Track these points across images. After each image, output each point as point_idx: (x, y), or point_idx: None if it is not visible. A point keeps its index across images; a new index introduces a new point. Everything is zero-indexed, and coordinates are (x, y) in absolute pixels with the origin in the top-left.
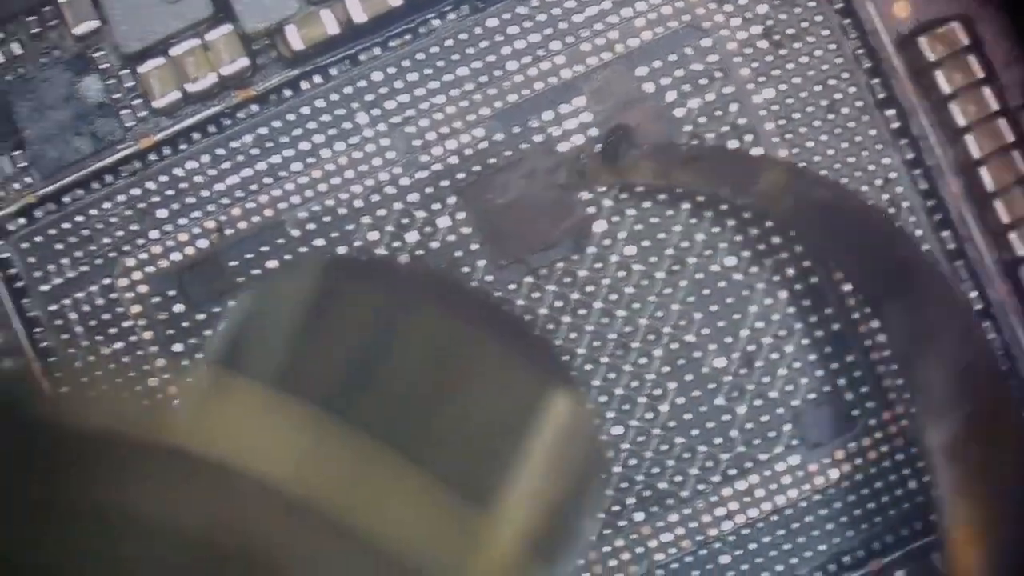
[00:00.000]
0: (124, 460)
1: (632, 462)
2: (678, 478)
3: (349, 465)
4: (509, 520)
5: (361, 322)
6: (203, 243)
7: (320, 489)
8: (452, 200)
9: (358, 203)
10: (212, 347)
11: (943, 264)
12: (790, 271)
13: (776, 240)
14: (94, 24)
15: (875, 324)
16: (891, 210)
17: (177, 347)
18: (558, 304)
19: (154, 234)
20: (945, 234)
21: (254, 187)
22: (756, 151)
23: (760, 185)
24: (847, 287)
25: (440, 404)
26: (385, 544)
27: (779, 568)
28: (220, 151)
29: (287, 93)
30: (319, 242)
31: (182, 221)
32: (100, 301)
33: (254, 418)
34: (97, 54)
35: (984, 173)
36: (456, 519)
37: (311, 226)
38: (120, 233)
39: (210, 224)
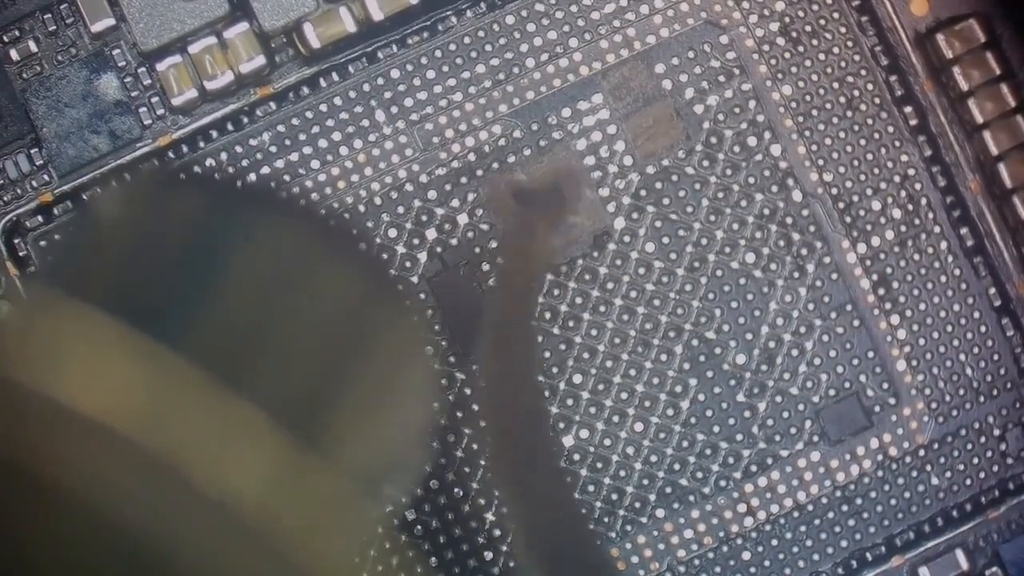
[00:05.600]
0: None
1: (653, 459)
2: (700, 475)
3: (170, 395)
4: (338, 454)
5: (190, 236)
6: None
7: (139, 420)
8: (471, 196)
9: (377, 200)
10: (41, 269)
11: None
12: (810, 267)
13: (796, 236)
14: (111, 22)
15: (895, 320)
16: (909, 207)
17: None
18: (578, 301)
19: None
20: (964, 231)
21: (272, 185)
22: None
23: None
24: (870, 280)
25: (272, 324)
26: (200, 479)
27: (801, 564)
28: (238, 148)
29: (305, 91)
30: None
31: None
32: None
33: (76, 342)
34: (114, 52)
35: (1002, 169)
36: (284, 456)
37: (331, 223)
38: None
39: None
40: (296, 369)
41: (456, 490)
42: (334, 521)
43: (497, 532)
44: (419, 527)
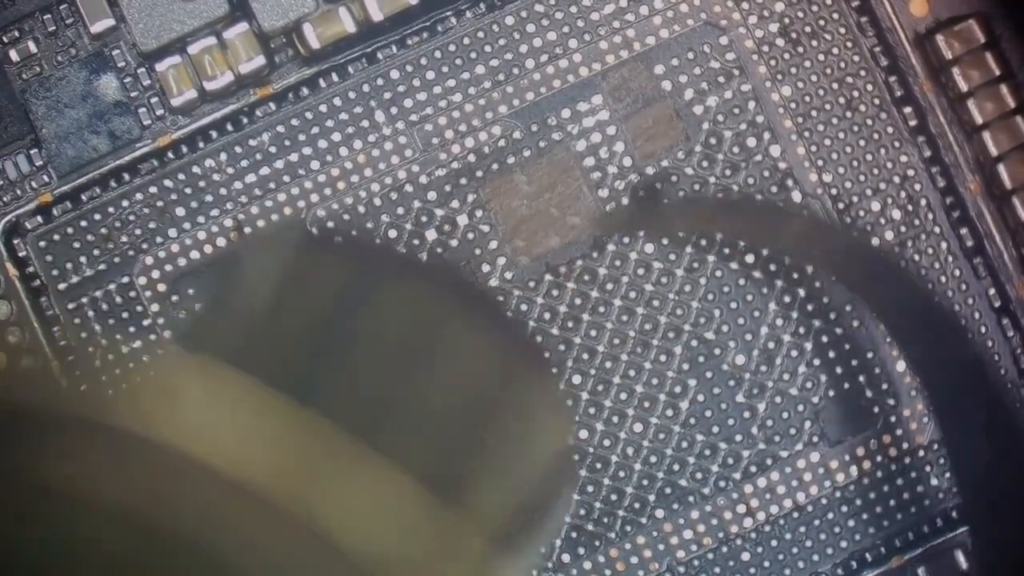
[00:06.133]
0: (74, 439)
1: (653, 459)
2: (699, 475)
3: (308, 451)
4: (481, 514)
5: (328, 299)
6: (222, 241)
7: (276, 476)
8: (471, 197)
9: (377, 201)
10: (179, 326)
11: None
12: (809, 268)
13: None
14: (111, 22)
15: None
16: (909, 207)
17: None
18: (578, 302)
19: (172, 232)
20: (963, 231)
21: (272, 185)
22: (785, 198)
23: (788, 233)
24: None
25: (408, 385)
26: (342, 539)
27: (800, 565)
28: (238, 149)
29: (304, 91)
30: (338, 239)
31: (200, 219)
32: (118, 299)
33: (214, 400)
34: (114, 52)
35: (1002, 170)
36: (424, 513)
37: (330, 224)
38: (138, 231)
39: (228, 222)
40: (436, 429)
41: None
42: None
43: None
44: None
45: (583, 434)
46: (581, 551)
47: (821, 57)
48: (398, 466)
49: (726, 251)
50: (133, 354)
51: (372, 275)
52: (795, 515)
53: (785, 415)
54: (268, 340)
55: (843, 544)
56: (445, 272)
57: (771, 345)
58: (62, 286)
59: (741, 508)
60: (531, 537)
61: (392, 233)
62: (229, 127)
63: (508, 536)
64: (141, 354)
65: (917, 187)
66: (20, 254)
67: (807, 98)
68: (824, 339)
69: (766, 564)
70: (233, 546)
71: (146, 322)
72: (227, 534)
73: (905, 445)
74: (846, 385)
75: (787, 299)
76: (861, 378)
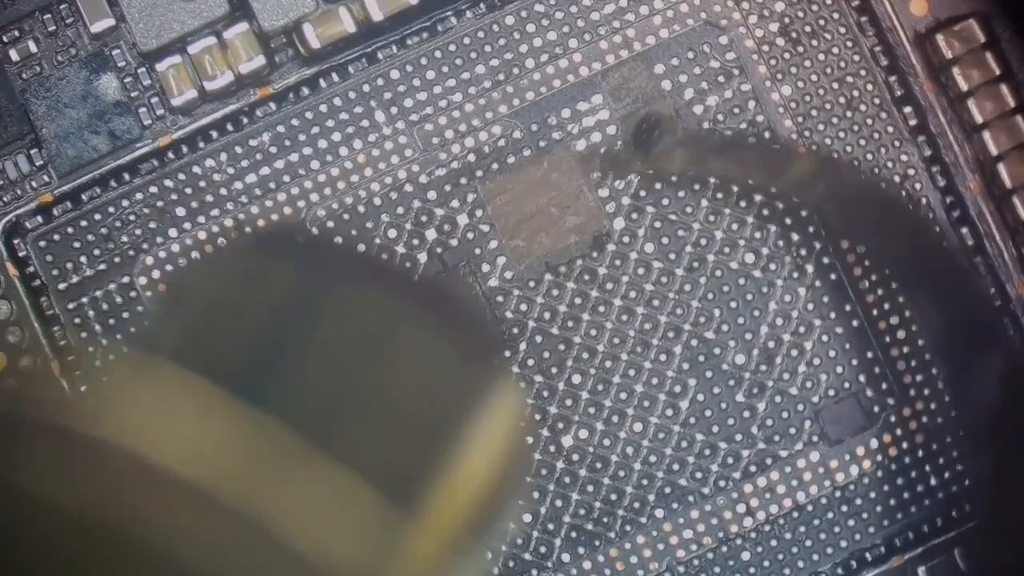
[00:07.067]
0: (25, 439)
1: (653, 459)
2: (699, 475)
3: (260, 453)
4: (433, 520)
5: (281, 301)
6: (222, 241)
7: (228, 478)
8: (471, 197)
9: (377, 200)
10: (132, 329)
11: (961, 252)
12: (809, 267)
13: (795, 237)
14: (111, 22)
15: (895, 320)
16: (909, 207)
17: None
18: (578, 301)
19: (172, 232)
20: (964, 230)
21: (272, 185)
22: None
23: (791, 172)
24: (869, 280)
25: (361, 387)
26: (292, 539)
27: (800, 564)
28: (238, 149)
29: (304, 91)
30: (338, 239)
31: (200, 219)
32: (118, 299)
33: (166, 402)
34: (114, 52)
35: (1002, 169)
36: (375, 515)
37: (330, 224)
38: (138, 231)
39: (228, 222)
40: (388, 431)
41: None
42: None
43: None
44: None
45: (583, 434)
46: (581, 551)
47: (821, 57)
48: (349, 468)
49: (726, 250)
50: (91, 356)
51: (324, 277)
52: (795, 515)
53: (785, 415)
54: (221, 343)
55: (843, 544)
56: (397, 271)
57: (771, 344)
58: (62, 286)
59: (741, 508)
60: (482, 540)
61: (392, 233)
62: (229, 127)
63: (458, 539)
64: (98, 356)
65: (917, 186)
66: (20, 254)
67: (807, 98)
68: (824, 338)
69: (766, 564)
70: (184, 546)
71: (146, 322)
72: (177, 535)
73: (905, 445)
74: (846, 384)
75: (787, 298)
76: (861, 377)
